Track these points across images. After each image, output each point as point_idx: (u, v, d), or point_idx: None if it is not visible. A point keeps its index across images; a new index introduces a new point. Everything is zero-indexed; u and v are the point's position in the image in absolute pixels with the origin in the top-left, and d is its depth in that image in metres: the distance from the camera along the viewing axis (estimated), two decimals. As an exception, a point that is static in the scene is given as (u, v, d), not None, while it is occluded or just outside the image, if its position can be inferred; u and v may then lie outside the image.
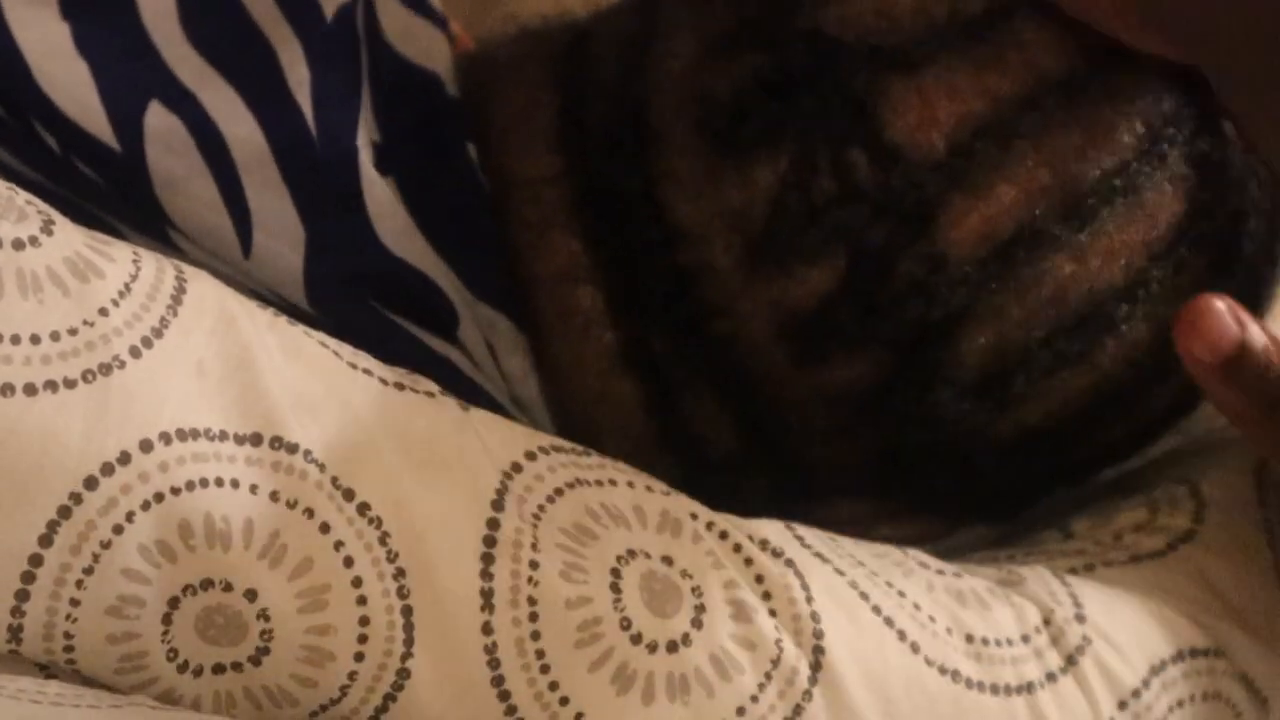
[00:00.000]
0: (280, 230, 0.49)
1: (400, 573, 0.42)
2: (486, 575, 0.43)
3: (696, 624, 0.44)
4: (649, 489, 0.47)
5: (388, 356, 0.47)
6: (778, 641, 0.45)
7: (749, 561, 0.46)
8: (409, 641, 0.42)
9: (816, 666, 0.45)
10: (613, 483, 0.46)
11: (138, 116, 0.48)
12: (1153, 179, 0.49)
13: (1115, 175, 0.49)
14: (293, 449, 0.42)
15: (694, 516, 0.47)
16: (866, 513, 0.54)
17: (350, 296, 0.50)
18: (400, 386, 0.45)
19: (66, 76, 0.48)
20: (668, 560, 0.45)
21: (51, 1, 0.49)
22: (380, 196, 0.51)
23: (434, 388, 0.46)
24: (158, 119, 0.48)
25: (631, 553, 0.45)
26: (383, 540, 0.42)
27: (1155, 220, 0.50)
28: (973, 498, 0.51)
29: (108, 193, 0.49)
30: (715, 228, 0.50)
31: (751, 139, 0.49)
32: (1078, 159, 0.48)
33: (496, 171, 0.53)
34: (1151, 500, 0.55)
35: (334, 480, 0.42)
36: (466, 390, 0.49)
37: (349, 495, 0.42)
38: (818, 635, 0.46)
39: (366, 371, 0.45)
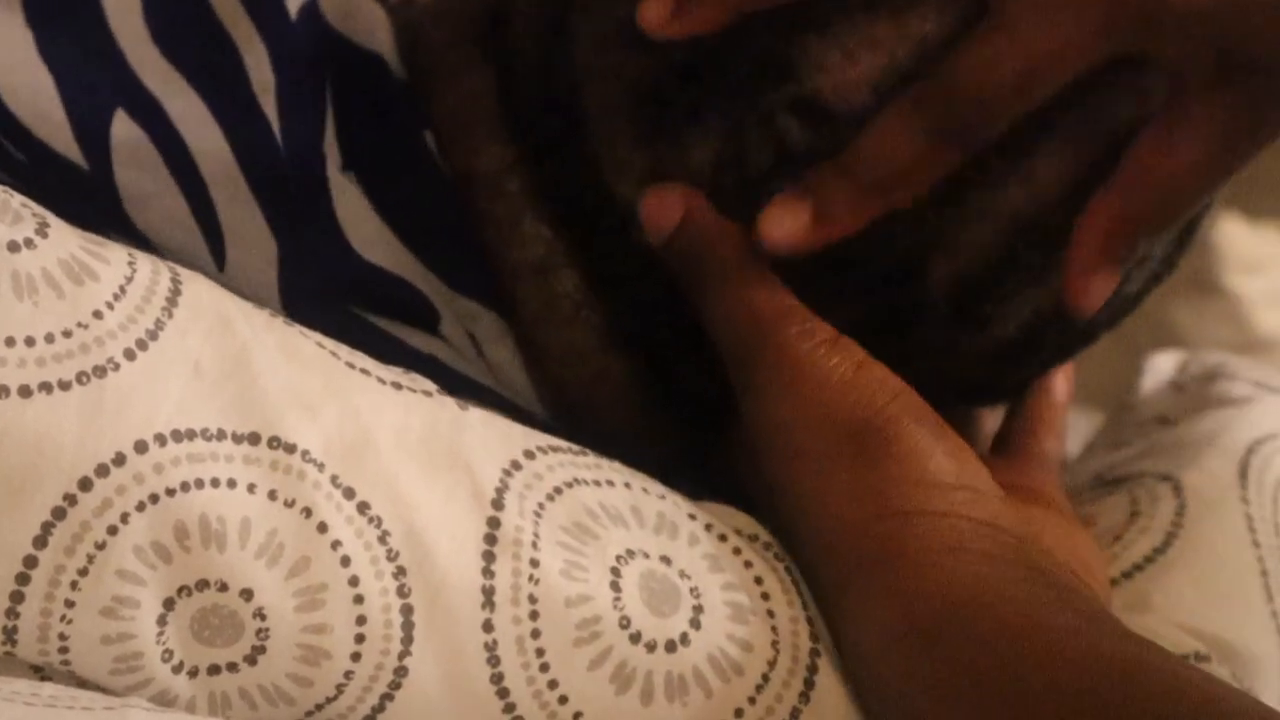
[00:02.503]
0: (252, 244, 0.49)
1: (400, 571, 0.42)
2: (488, 573, 0.43)
3: (695, 624, 0.44)
4: (645, 490, 0.47)
5: None
6: (775, 644, 0.45)
7: (748, 564, 0.46)
8: (407, 640, 0.42)
9: (814, 670, 0.45)
10: (610, 483, 0.46)
11: (104, 130, 0.47)
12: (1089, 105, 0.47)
13: (1051, 106, 0.47)
14: (291, 449, 0.42)
15: (692, 518, 0.47)
16: None
17: (326, 305, 0.50)
18: (398, 386, 0.45)
19: (29, 88, 0.47)
20: (666, 560, 0.45)
21: (16, 9, 0.48)
22: (349, 201, 0.50)
23: (431, 387, 0.46)
24: (124, 130, 0.48)
25: (631, 552, 0.45)
26: (383, 539, 0.42)
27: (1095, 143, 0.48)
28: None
29: (79, 206, 0.49)
30: None
31: (677, 124, 0.49)
32: None
33: (454, 163, 0.52)
34: (1134, 499, 0.55)
35: (333, 479, 0.42)
36: (456, 385, 0.49)
37: (349, 494, 0.42)
38: (815, 638, 0.46)
39: (364, 371, 0.45)
